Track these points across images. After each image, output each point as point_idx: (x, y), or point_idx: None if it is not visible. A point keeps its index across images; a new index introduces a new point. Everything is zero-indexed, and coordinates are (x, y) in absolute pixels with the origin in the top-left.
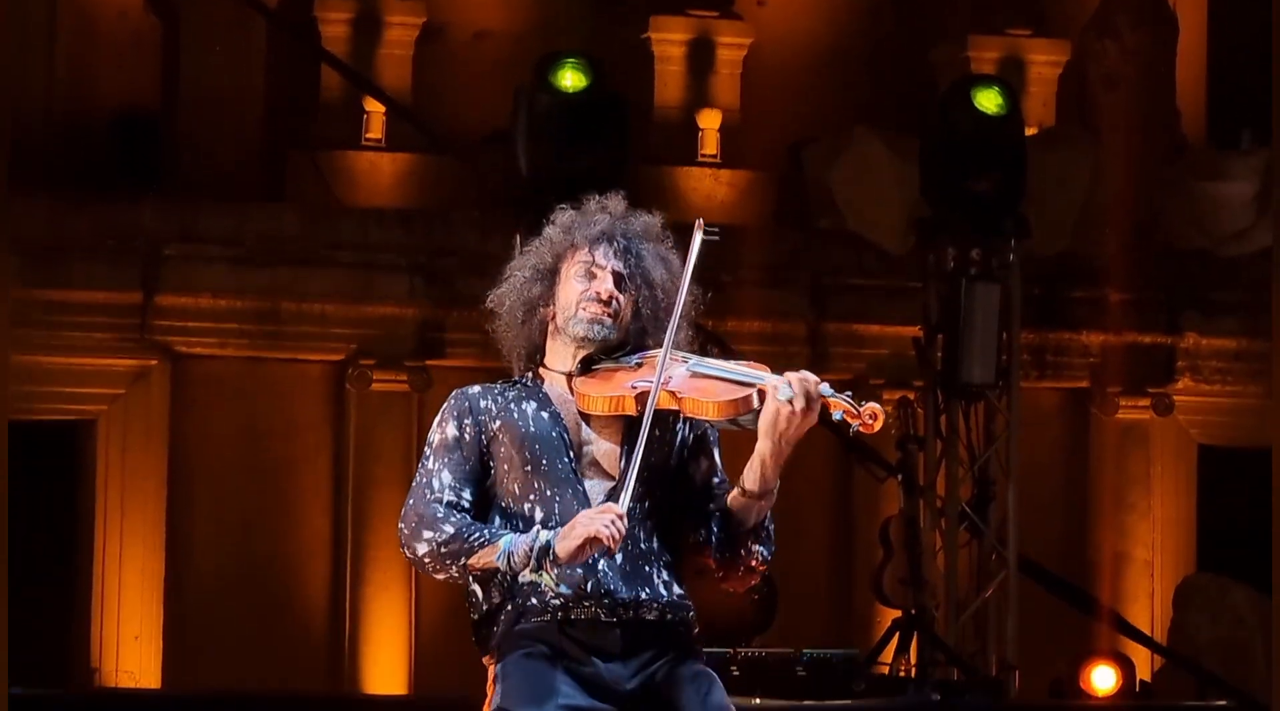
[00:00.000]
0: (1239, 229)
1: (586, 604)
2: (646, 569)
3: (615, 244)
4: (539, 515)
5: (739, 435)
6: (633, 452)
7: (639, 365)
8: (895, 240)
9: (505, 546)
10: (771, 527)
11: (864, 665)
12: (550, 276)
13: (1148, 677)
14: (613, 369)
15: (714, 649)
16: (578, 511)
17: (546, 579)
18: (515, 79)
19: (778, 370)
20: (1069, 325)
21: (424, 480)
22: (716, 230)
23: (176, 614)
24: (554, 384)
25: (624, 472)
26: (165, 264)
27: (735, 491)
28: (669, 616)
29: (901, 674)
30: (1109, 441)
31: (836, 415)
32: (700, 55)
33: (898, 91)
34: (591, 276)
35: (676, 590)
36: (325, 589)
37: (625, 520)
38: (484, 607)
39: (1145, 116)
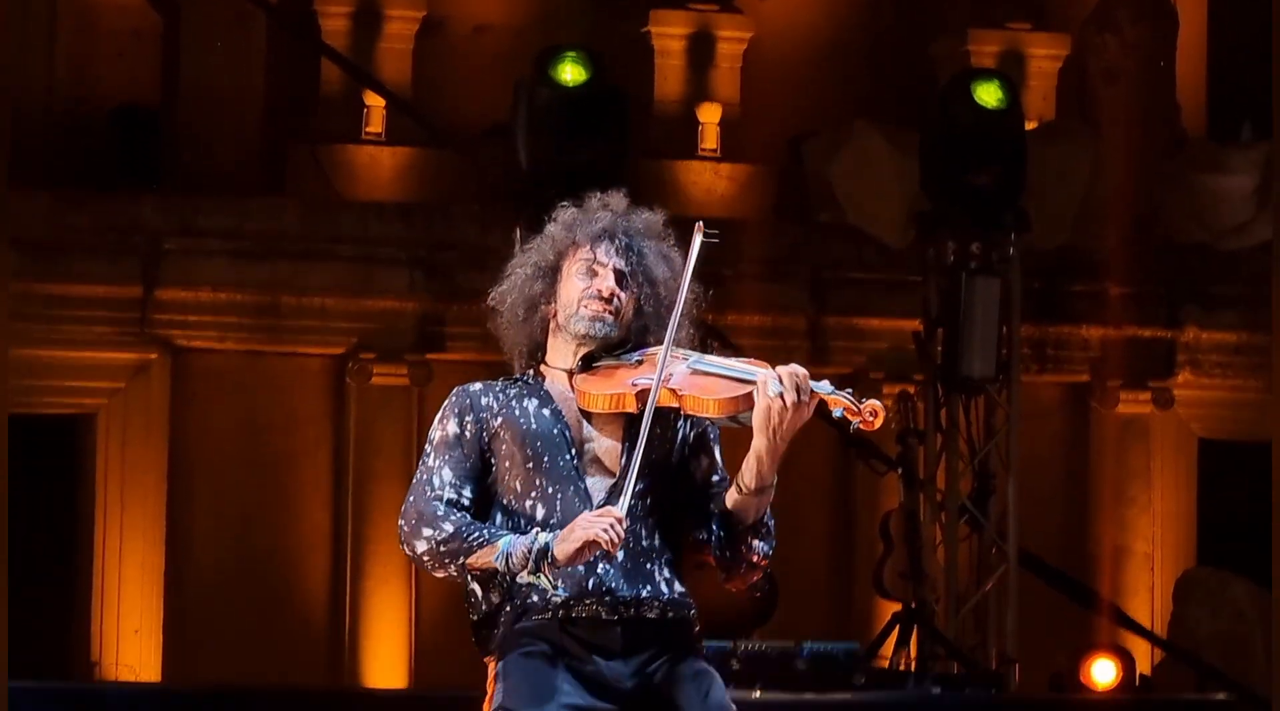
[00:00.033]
0: (1239, 222)
1: (588, 601)
2: (648, 566)
3: (617, 241)
4: (540, 512)
5: (740, 432)
6: (634, 450)
7: (640, 362)
8: (895, 234)
9: (504, 547)
10: (771, 524)
11: (864, 658)
12: (552, 274)
13: (1148, 671)
14: (614, 366)
15: (715, 642)
16: (579, 508)
17: (544, 581)
18: (515, 73)
19: (777, 365)
20: (1069, 319)
21: (424, 477)
22: (716, 232)
23: (177, 607)
24: (555, 381)
25: (624, 473)
26: (165, 258)
27: (733, 488)
28: (670, 614)
29: (902, 667)
30: (1109, 435)
31: (837, 413)
32: (700, 49)
33: (898, 85)
34: (593, 274)
35: (677, 588)
36: (325, 583)
37: (624, 523)
38: (483, 608)
39: (1145, 110)
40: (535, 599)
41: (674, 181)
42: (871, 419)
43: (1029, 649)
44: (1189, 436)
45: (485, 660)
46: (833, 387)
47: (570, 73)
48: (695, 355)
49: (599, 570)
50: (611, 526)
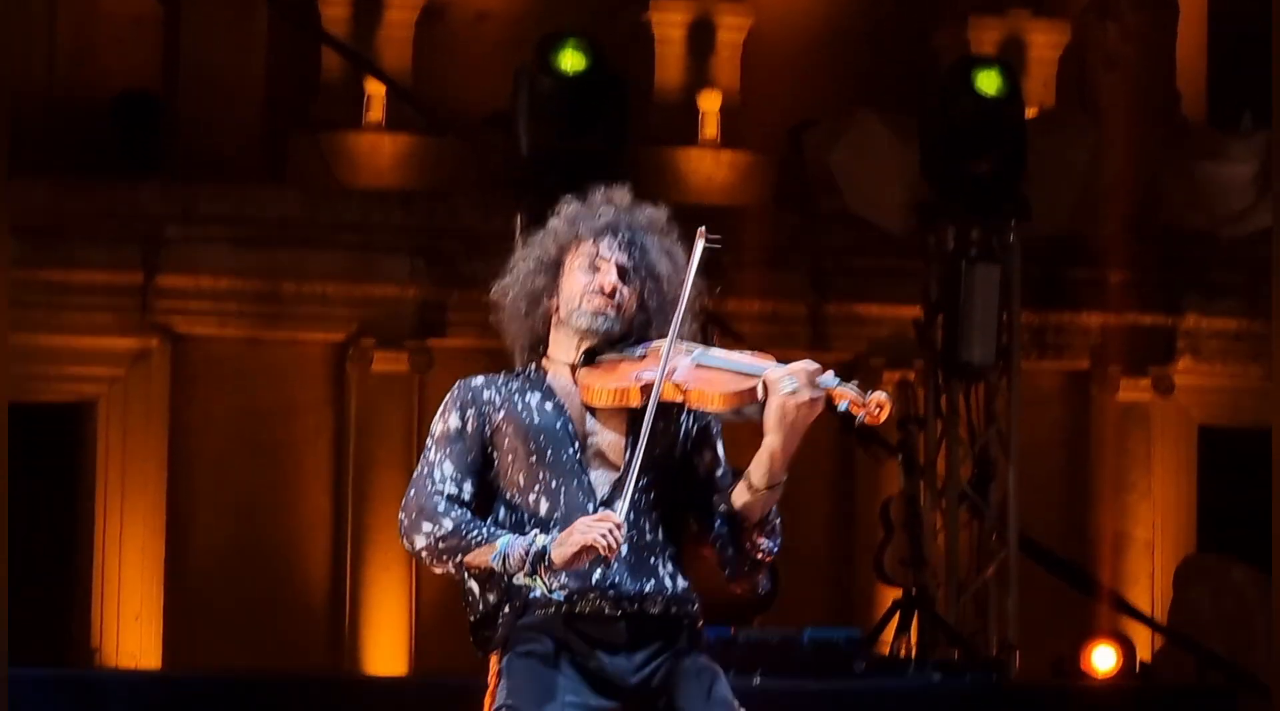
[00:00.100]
0: (1239, 210)
1: (592, 596)
2: (652, 561)
3: (620, 236)
4: (544, 506)
5: (741, 427)
6: (637, 444)
7: (643, 357)
8: (896, 221)
9: (502, 547)
10: (778, 522)
11: (865, 644)
12: (554, 268)
13: (1148, 658)
14: (617, 360)
15: (715, 628)
16: (583, 502)
17: (540, 584)
18: (516, 60)
19: (778, 351)
20: (1069, 305)
21: (425, 471)
22: (718, 238)
23: (177, 594)
24: (558, 375)
25: (627, 467)
26: (166, 245)
27: (742, 485)
28: (673, 609)
29: (902, 653)
30: (1109, 422)
31: (842, 406)
32: (701, 37)
33: (898, 73)
34: (595, 269)
35: (681, 582)
36: (326, 569)
37: (623, 529)
38: (480, 608)
39: (1145, 97)
40: (538, 594)
41: (674, 169)
42: (877, 412)
43: (1029, 635)
44: (1189, 423)
45: (489, 655)
46: (838, 380)
47: (571, 60)
48: (699, 349)
49: (603, 565)
50: (610, 532)
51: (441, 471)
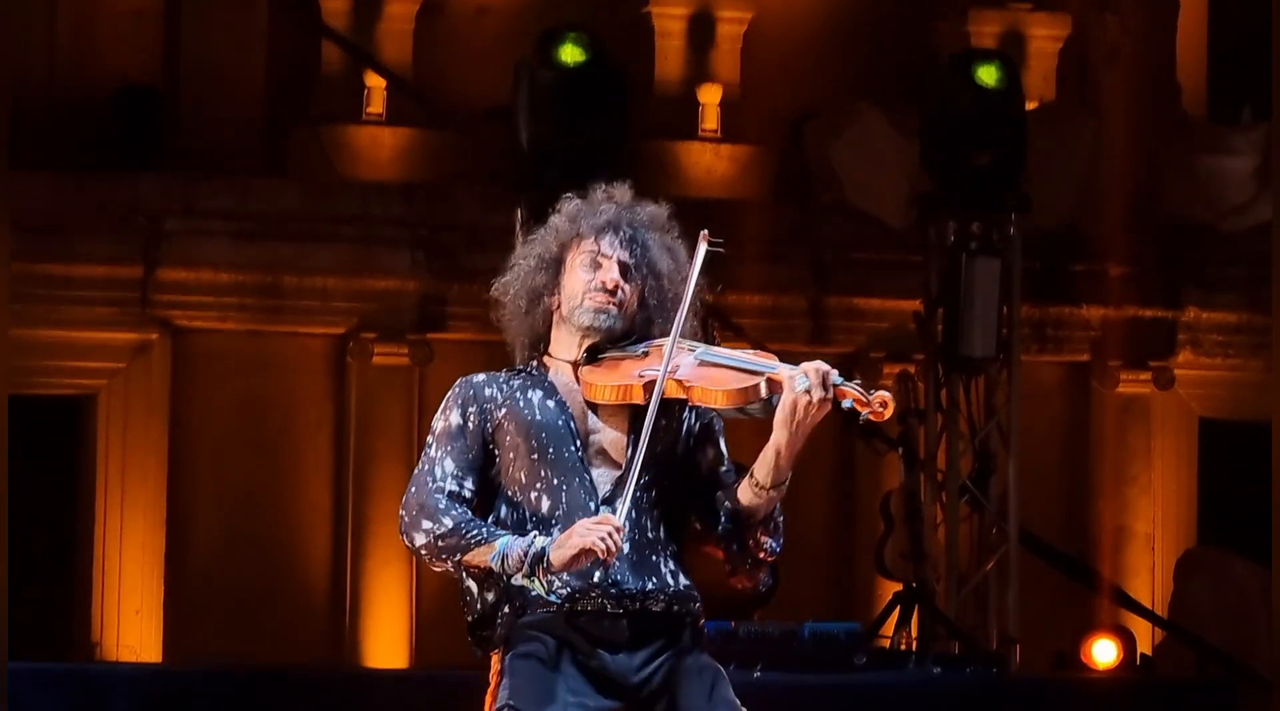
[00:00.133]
0: (1239, 203)
1: (593, 595)
2: (654, 559)
3: (621, 233)
4: (545, 504)
5: (742, 425)
6: (639, 441)
7: (646, 354)
8: (896, 214)
9: (500, 548)
10: (781, 520)
11: (865, 638)
12: (555, 265)
13: (1148, 651)
14: (619, 357)
15: (715, 621)
16: (585, 500)
17: (538, 585)
18: (516, 54)
19: (778, 344)
20: (1069, 299)
21: (426, 468)
22: (721, 241)
23: (177, 588)
24: (559, 372)
25: (628, 466)
26: (166, 238)
27: (746, 483)
28: (675, 607)
29: (903, 647)
30: (1110, 415)
31: (846, 404)
32: (701, 30)
33: (898, 66)
34: (597, 266)
35: (683, 581)
36: (326, 563)
37: (622, 532)
38: (478, 608)
39: (1146, 91)
40: (538, 593)
41: (674, 162)
42: (881, 409)
43: (1030, 629)
44: (1190, 416)
45: (489, 654)
46: (842, 378)
47: (571, 54)
48: (702, 346)
49: (602, 567)
50: (609, 535)
51: (442, 468)
